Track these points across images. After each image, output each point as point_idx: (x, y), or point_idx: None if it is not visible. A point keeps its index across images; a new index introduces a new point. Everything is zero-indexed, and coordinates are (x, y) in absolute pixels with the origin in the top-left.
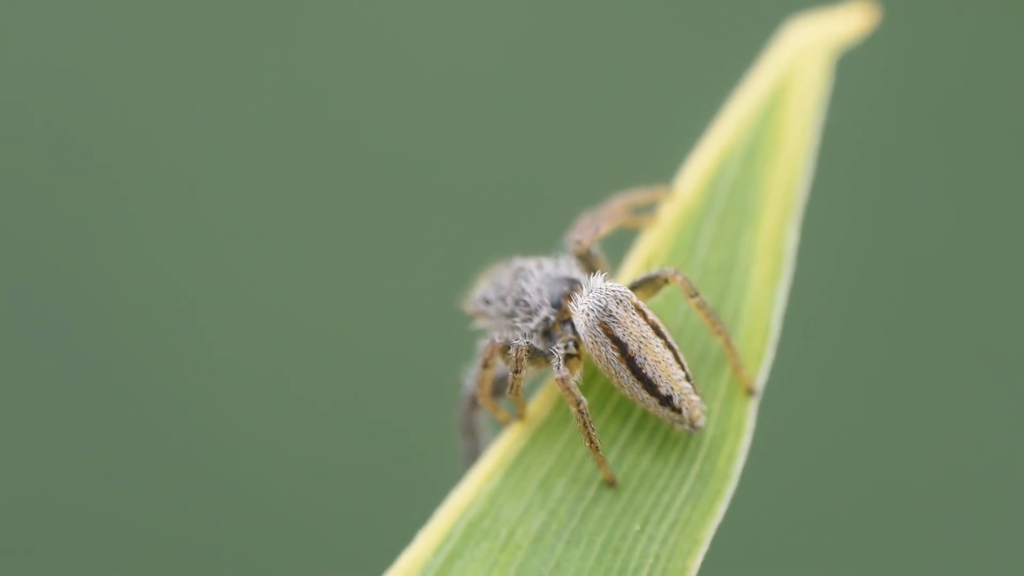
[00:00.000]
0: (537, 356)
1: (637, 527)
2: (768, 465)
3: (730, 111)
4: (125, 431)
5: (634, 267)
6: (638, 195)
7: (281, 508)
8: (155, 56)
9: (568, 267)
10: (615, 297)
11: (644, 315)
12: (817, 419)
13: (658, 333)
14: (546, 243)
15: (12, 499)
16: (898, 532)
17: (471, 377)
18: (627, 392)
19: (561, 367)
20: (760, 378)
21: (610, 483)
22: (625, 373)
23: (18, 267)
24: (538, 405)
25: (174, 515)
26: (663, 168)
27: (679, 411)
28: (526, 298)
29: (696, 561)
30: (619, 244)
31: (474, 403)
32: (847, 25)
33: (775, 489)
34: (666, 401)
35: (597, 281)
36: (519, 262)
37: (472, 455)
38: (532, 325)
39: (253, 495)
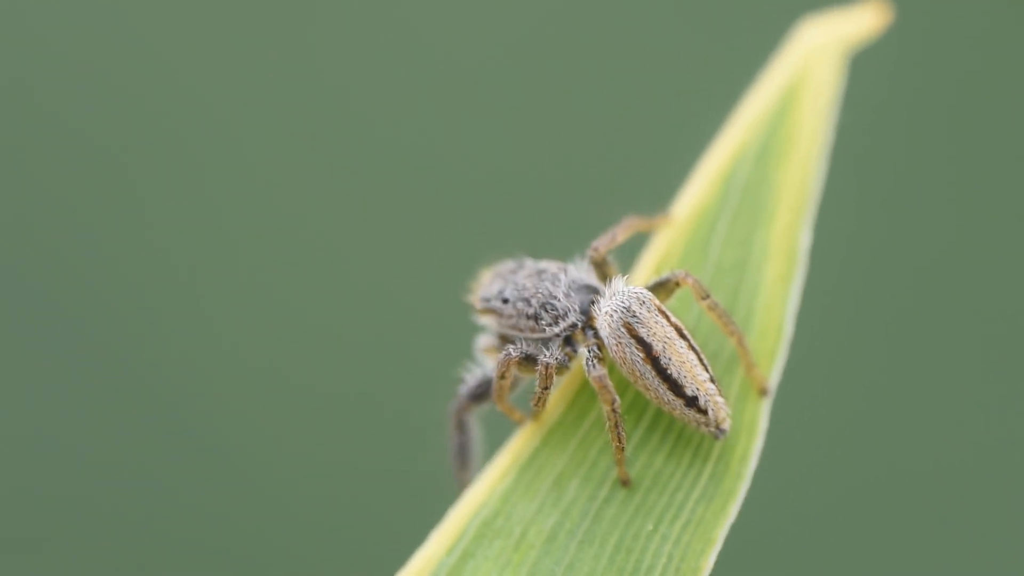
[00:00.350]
0: (561, 368)
1: (650, 527)
2: (781, 464)
3: (743, 110)
4: (137, 428)
5: (648, 266)
6: (652, 221)
7: (293, 507)
8: (167, 53)
9: (587, 274)
10: (638, 299)
11: (667, 317)
12: (830, 418)
13: (681, 335)
14: (556, 240)
15: (20, 494)
16: (911, 531)
17: (472, 375)
18: (652, 396)
19: (597, 365)
20: (773, 378)
21: (624, 482)
22: (650, 375)
23: (30, 262)
24: (551, 405)
25: (185, 513)
26: (676, 168)
27: (705, 412)
28: (554, 302)
29: (709, 561)
30: (632, 243)
31: (472, 400)
32: (860, 25)
33: (788, 488)
34: (692, 403)
35: (619, 284)
36: (535, 263)
37: (461, 449)
38: (557, 329)
39: (265, 494)
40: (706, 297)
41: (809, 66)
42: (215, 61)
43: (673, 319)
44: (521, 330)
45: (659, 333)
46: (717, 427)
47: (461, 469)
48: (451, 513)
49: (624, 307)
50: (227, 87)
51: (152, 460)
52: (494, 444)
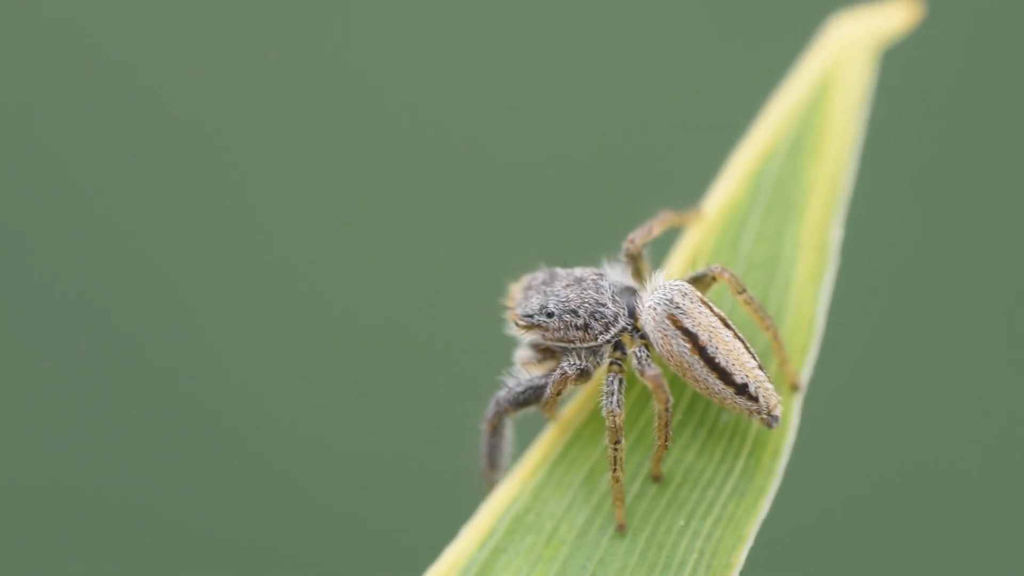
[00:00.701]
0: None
1: (682, 522)
2: (812, 460)
3: (775, 106)
4: (169, 423)
5: (679, 262)
6: (684, 216)
7: (325, 502)
8: (202, 51)
9: (623, 275)
10: (680, 291)
11: (710, 307)
12: (861, 414)
13: (726, 325)
14: (588, 235)
15: (46, 487)
16: (942, 526)
17: (515, 380)
18: (701, 387)
19: (652, 364)
20: (804, 373)
21: (656, 478)
22: (699, 364)
23: (53, 254)
24: (582, 400)
25: (216, 508)
26: (708, 163)
27: (756, 399)
28: (603, 309)
29: (740, 556)
30: (662, 240)
31: (516, 406)
32: (892, 20)
33: (820, 484)
34: (742, 390)
35: (659, 279)
36: (568, 272)
37: (492, 450)
38: (608, 336)
39: (296, 489)
40: (742, 291)
41: (841, 62)
42: (245, 56)
43: (716, 309)
44: (571, 341)
45: (704, 323)
46: (769, 414)
47: (490, 469)
48: (482, 508)
49: (667, 299)
50: (259, 83)
51: (182, 455)
52: (521, 443)
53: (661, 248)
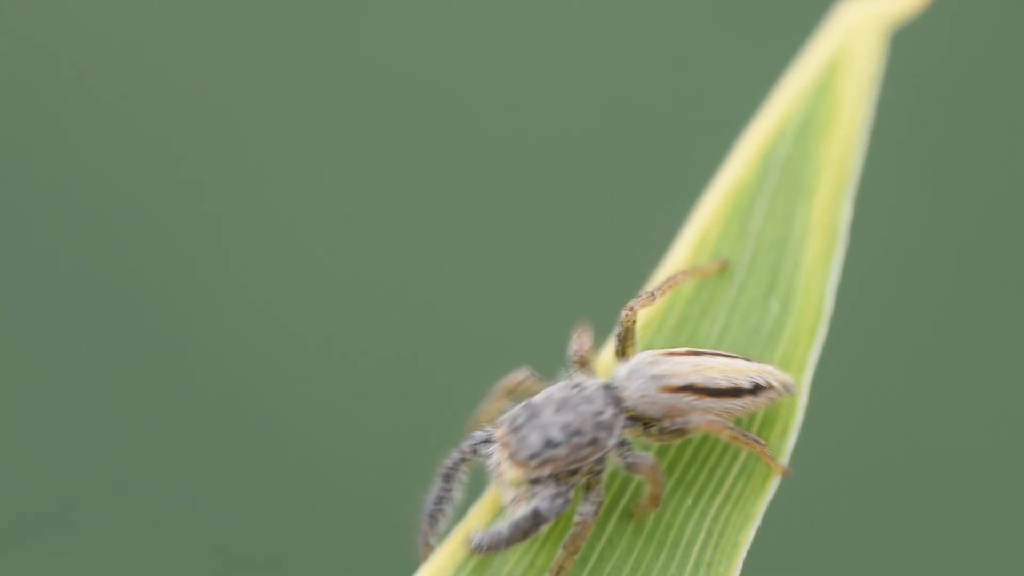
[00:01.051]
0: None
1: (689, 502)
2: (820, 440)
3: (784, 87)
4: (183, 407)
5: (688, 244)
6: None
7: (333, 495)
8: (223, 38)
9: (587, 375)
10: (648, 360)
11: (674, 352)
12: (869, 394)
13: (697, 353)
14: (598, 228)
15: (58, 471)
16: (949, 508)
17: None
18: (726, 415)
19: (701, 420)
20: (812, 354)
21: (783, 473)
22: (710, 402)
23: (70, 236)
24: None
25: (233, 498)
26: (717, 144)
27: (772, 387)
28: (602, 417)
29: (748, 536)
30: (669, 223)
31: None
32: (902, 2)
33: (827, 464)
34: (757, 390)
35: (623, 367)
36: (544, 397)
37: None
38: (614, 440)
39: (306, 482)
40: (651, 296)
41: (850, 42)
42: (266, 43)
43: (679, 349)
44: (582, 460)
45: (686, 369)
46: (786, 388)
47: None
48: (489, 489)
49: (648, 376)
50: (279, 74)
51: (194, 439)
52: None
53: (667, 232)
